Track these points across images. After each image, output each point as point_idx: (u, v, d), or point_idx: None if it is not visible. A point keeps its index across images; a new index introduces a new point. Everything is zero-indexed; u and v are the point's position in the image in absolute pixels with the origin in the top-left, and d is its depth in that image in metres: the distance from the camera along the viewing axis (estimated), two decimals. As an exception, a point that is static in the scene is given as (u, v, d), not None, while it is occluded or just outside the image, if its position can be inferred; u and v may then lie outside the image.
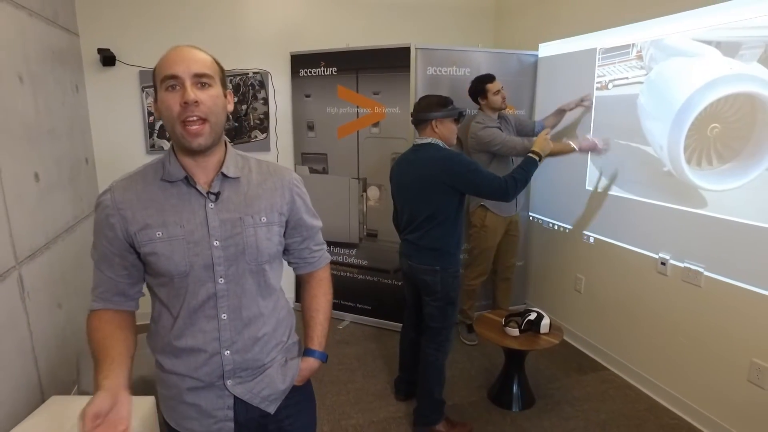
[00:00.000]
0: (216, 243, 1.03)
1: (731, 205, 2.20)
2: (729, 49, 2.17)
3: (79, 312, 2.68)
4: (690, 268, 2.40)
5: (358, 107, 3.31)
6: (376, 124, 3.29)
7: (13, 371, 1.87)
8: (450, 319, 2.26)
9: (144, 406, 1.83)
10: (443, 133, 2.16)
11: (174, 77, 0.95)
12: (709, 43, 2.26)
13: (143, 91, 3.21)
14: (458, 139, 2.46)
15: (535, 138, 2.89)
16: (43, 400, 2.06)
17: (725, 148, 2.22)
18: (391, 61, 3.14)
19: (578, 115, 3.07)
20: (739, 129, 2.15)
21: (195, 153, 1.01)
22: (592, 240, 3.06)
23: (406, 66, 3.12)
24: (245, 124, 3.45)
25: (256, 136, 3.48)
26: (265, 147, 3.49)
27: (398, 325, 2.23)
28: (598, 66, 2.91)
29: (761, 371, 2.10)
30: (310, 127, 3.47)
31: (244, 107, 3.42)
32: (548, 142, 2.28)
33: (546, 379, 2.82)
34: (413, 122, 2.27)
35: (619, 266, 2.85)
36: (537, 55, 3.43)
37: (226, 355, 1.06)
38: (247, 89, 3.41)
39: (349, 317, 3.58)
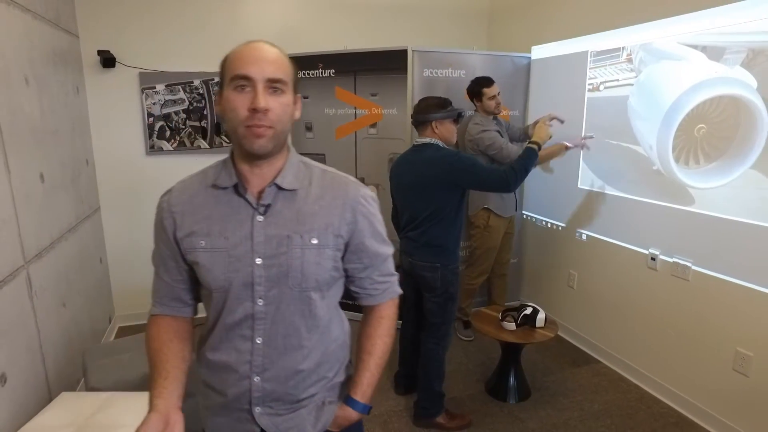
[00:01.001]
0: (258, 260, 0.94)
1: (717, 202, 2.30)
2: (714, 53, 2.27)
3: (82, 311, 2.71)
4: (679, 263, 2.50)
5: (355, 108, 3.37)
6: (373, 125, 3.35)
7: (23, 368, 1.90)
8: (450, 314, 2.33)
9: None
10: (443, 133, 2.23)
11: (246, 78, 0.86)
12: (695, 47, 2.36)
13: (143, 92, 3.24)
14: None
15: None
16: (50, 397, 2.10)
17: (711, 148, 2.31)
18: (389, 63, 3.21)
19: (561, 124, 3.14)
20: (724, 129, 2.25)
21: (254, 157, 0.93)
22: (584, 237, 3.15)
23: (403, 68, 3.19)
24: (244, 125, 3.49)
25: (254, 137, 3.52)
26: (264, 147, 3.54)
27: (398, 322, 2.29)
28: (590, 68, 3.00)
29: (745, 360, 2.20)
30: (309, 128, 3.53)
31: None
32: (547, 129, 2.35)
33: (541, 373, 2.91)
34: (413, 123, 2.33)
35: (611, 262, 2.94)
36: (530, 58, 3.52)
37: (256, 381, 0.98)
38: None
39: (348, 315, 3.63)
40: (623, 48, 2.76)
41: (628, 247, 2.82)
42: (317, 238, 0.96)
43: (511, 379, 2.65)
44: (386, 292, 1.10)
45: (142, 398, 1.84)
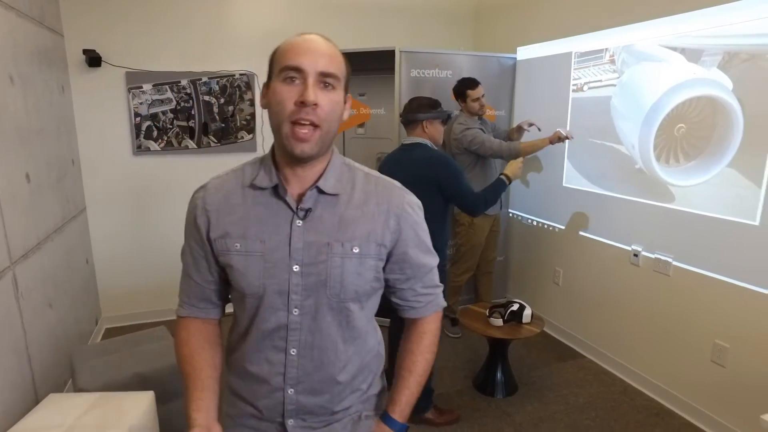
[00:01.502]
0: (296, 268, 0.89)
1: (696, 200, 2.37)
2: (692, 55, 2.34)
3: (68, 312, 2.69)
4: (660, 259, 2.56)
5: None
6: (361, 125, 3.37)
7: (9, 370, 1.89)
8: None
9: (143, 401, 1.87)
10: (432, 133, 2.27)
11: (297, 70, 0.82)
12: (674, 49, 2.43)
13: (130, 92, 3.22)
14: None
15: (511, 142, 3.03)
16: (37, 399, 2.09)
17: (690, 147, 2.38)
18: (376, 64, 3.23)
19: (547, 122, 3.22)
20: (702, 129, 2.32)
21: (296, 160, 0.87)
22: (569, 235, 3.21)
23: (390, 68, 3.22)
24: (232, 125, 3.49)
25: (242, 137, 3.52)
26: (252, 148, 3.54)
27: (386, 321, 2.32)
28: (574, 69, 3.06)
29: (722, 351, 2.28)
30: (296, 128, 3.54)
31: (230, 108, 3.46)
32: (520, 170, 2.42)
33: (528, 368, 2.96)
34: (403, 122, 2.36)
35: (595, 259, 3.01)
36: (515, 58, 3.57)
37: (290, 393, 0.94)
38: (234, 91, 3.45)
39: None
40: (606, 49, 2.82)
41: (611, 243, 2.88)
42: (359, 246, 0.90)
43: (499, 375, 2.69)
44: (430, 304, 1.04)
45: (132, 398, 1.86)
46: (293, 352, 0.92)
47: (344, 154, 3.77)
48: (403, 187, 0.99)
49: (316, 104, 0.81)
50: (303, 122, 0.82)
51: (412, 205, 0.97)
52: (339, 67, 0.85)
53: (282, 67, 0.83)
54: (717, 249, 2.28)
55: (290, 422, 0.96)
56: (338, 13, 3.67)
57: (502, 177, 2.36)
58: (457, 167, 2.27)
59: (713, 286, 2.30)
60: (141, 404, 1.85)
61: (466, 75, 3.13)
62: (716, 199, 2.28)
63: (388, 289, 1.01)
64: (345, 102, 0.90)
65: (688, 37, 2.35)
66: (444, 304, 1.09)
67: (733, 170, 2.19)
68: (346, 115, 0.91)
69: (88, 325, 3.11)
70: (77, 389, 2.05)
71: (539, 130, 3.17)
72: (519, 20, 3.57)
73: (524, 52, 3.51)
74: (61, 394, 1.96)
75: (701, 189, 2.34)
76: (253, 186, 0.91)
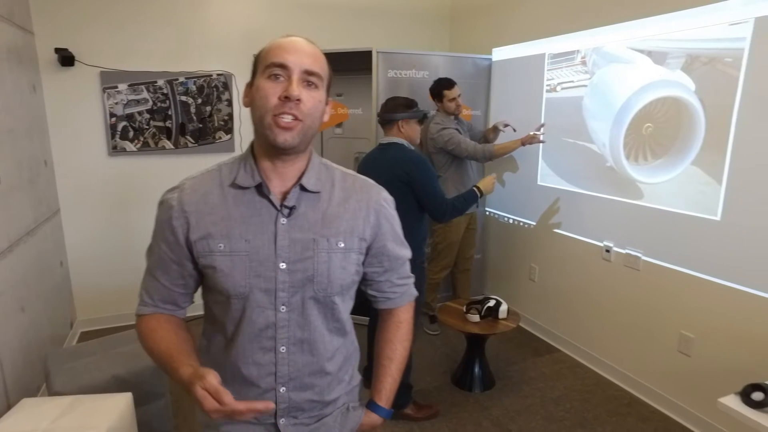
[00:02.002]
0: (282, 265, 0.90)
1: (663, 197, 2.46)
2: (658, 57, 2.43)
3: (41, 315, 2.64)
4: (630, 254, 2.65)
5: (321, 108, 3.39)
6: (339, 125, 3.39)
7: (-18, 375, 1.86)
8: (414, 308, 2.40)
9: (121, 403, 1.86)
10: (408, 133, 2.30)
11: (282, 66, 0.84)
12: (641, 51, 2.51)
13: (104, 92, 3.18)
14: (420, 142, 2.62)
15: (485, 145, 3.09)
16: (9, 404, 2.05)
17: (657, 146, 2.47)
18: (354, 64, 3.26)
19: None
20: (668, 128, 2.41)
21: (277, 152, 0.89)
22: (544, 232, 3.28)
23: (368, 69, 3.25)
24: (209, 126, 3.47)
25: (220, 137, 3.50)
26: (230, 148, 3.52)
27: (365, 319, 2.35)
28: (547, 70, 3.14)
29: (688, 341, 2.37)
30: (275, 128, 3.54)
31: (208, 109, 3.44)
32: (492, 185, 2.48)
33: (504, 363, 3.02)
34: (380, 122, 2.39)
35: (569, 255, 3.09)
36: (491, 59, 3.64)
37: (282, 392, 0.94)
38: (212, 91, 3.43)
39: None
40: (578, 51, 2.90)
41: (584, 240, 2.96)
42: (343, 241, 0.94)
43: (476, 370, 2.75)
44: (404, 295, 1.10)
45: (109, 400, 1.84)
46: (283, 349, 0.93)
47: (322, 154, 3.77)
48: (377, 184, 1.04)
49: (299, 99, 0.84)
50: (285, 116, 0.85)
51: (388, 201, 1.03)
52: (322, 67, 0.89)
53: (267, 64, 0.86)
54: (683, 244, 2.37)
55: (282, 421, 0.96)
56: (316, 14, 3.68)
57: (475, 189, 2.41)
58: (430, 170, 2.30)
59: (679, 279, 2.40)
60: (118, 406, 1.83)
61: (442, 75, 3.18)
62: (681, 196, 2.37)
63: (365, 282, 1.05)
64: (326, 104, 0.92)
65: (653, 40, 2.44)
66: (416, 293, 1.14)
67: (696, 168, 2.29)
68: (326, 117, 0.94)
69: (62, 329, 3.05)
70: (52, 393, 2.02)
71: (514, 130, 3.24)
72: (494, 22, 3.64)
73: (499, 53, 3.58)
74: (35, 399, 1.93)
75: (668, 186, 2.43)
76: (234, 185, 0.91)
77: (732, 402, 1.49)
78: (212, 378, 0.77)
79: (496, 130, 3.39)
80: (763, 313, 2.05)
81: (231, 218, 0.90)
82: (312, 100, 0.86)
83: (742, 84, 2.07)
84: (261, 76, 0.87)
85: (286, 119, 0.84)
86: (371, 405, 1.07)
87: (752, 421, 1.42)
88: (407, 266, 1.10)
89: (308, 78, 0.86)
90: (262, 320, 0.91)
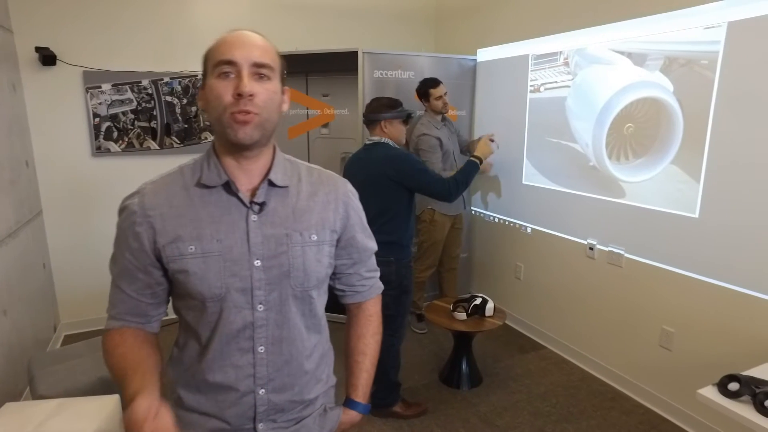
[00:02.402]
0: (257, 263, 0.89)
1: (644, 195, 2.52)
2: (638, 59, 2.48)
3: (24, 318, 2.60)
4: (613, 252, 2.71)
5: (308, 109, 3.40)
6: (325, 125, 3.40)
7: (-36, 379, 1.83)
8: (404, 306, 2.42)
9: (108, 405, 1.84)
10: (392, 133, 2.32)
11: (230, 63, 0.83)
12: (622, 53, 2.57)
13: (87, 92, 3.14)
14: (406, 139, 2.64)
15: (452, 172, 2.90)
16: (-8, 409, 2.02)
17: (638, 145, 2.53)
18: (340, 65, 3.27)
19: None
20: (648, 128, 2.47)
21: (239, 149, 0.88)
22: (529, 230, 3.33)
23: (354, 69, 3.26)
24: (195, 126, 3.45)
25: (206, 138, 3.48)
26: (216, 148, 3.50)
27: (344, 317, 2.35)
28: (531, 71, 3.18)
29: (669, 336, 2.43)
30: (261, 128, 3.53)
31: (193, 109, 3.42)
32: (490, 147, 2.53)
33: (491, 360, 3.06)
34: (365, 122, 2.41)
35: (554, 253, 3.14)
36: (476, 60, 3.68)
37: (261, 394, 0.92)
38: (197, 91, 3.41)
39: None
40: (561, 52, 2.95)
41: (568, 238, 3.01)
42: (316, 234, 0.94)
43: (464, 367, 2.78)
44: (372, 288, 1.10)
45: (96, 402, 1.83)
46: (261, 349, 0.91)
47: (309, 154, 3.75)
48: (341, 177, 1.04)
49: (252, 95, 0.82)
50: (242, 113, 0.83)
51: (353, 193, 1.04)
52: (272, 57, 0.87)
53: (215, 62, 0.84)
54: (663, 241, 2.43)
55: (261, 426, 0.94)
56: (302, 15, 3.68)
57: (473, 159, 2.44)
58: (416, 160, 2.34)
59: (660, 275, 2.45)
60: (105, 408, 1.81)
61: (428, 76, 3.21)
62: (662, 194, 2.43)
63: (334, 276, 1.04)
64: (283, 93, 0.91)
65: (633, 42, 2.50)
66: (382, 286, 1.14)
67: (675, 167, 2.35)
68: (285, 107, 0.92)
69: (45, 332, 3.01)
70: (36, 397, 2.00)
71: (498, 147, 3.18)
72: (479, 23, 3.68)
73: (484, 54, 3.62)
74: (19, 403, 1.91)
75: (649, 185, 2.49)
76: (200, 185, 0.89)
77: (710, 393, 1.53)
78: (138, 410, 0.75)
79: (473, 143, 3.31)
80: (738, 307, 2.12)
81: (200, 219, 0.88)
82: (266, 93, 0.85)
83: (717, 85, 2.13)
84: (211, 76, 0.85)
85: (242, 115, 0.83)
86: (348, 402, 1.07)
87: (728, 411, 1.46)
88: (374, 259, 1.10)
89: (259, 71, 0.84)
90: (239, 321, 0.89)
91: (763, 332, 2.03)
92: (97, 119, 3.19)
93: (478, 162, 2.44)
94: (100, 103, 3.18)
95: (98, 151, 3.23)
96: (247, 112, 0.83)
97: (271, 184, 0.91)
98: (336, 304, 1.10)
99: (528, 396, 2.67)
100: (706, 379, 1.65)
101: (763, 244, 2.02)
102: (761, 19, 1.96)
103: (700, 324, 2.28)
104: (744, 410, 1.44)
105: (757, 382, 1.53)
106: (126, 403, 0.80)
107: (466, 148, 3.47)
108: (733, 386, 1.50)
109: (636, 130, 2.53)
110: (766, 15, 1.94)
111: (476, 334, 2.78)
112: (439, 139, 3.10)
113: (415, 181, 2.26)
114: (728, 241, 2.14)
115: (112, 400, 1.87)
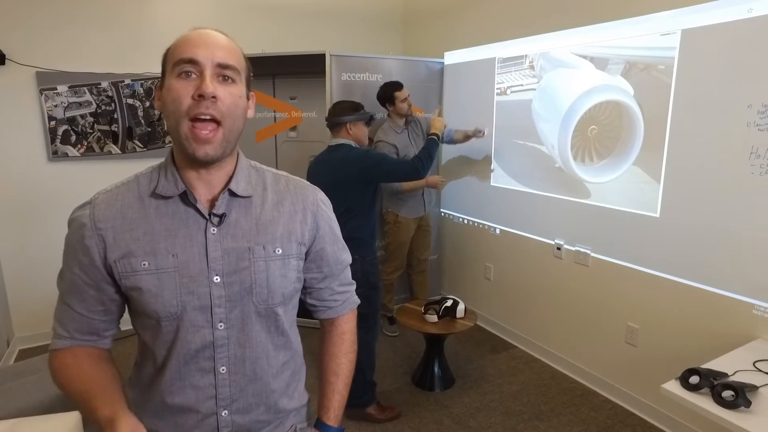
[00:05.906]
0: (216, 279, 0.83)
1: (609, 195, 2.58)
2: (600, 63, 2.55)
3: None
4: (580, 251, 2.77)
5: (275, 112, 3.35)
6: (293, 128, 3.36)
7: None
8: (375, 304, 2.42)
9: (67, 423, 1.75)
10: (356, 134, 2.36)
11: (192, 62, 0.76)
12: (584, 57, 2.64)
13: (42, 93, 3.00)
14: (369, 139, 2.66)
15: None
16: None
17: (602, 147, 2.60)
18: (307, 67, 3.24)
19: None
20: (610, 131, 2.54)
21: (199, 164, 0.81)
22: (498, 231, 3.38)
23: (321, 72, 3.23)
24: (159, 129, 3.35)
25: (170, 141, 3.38)
26: (180, 152, 3.41)
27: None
28: (497, 74, 3.23)
29: (634, 332, 2.50)
30: (228, 131, 3.45)
31: (157, 112, 3.32)
32: (441, 120, 2.63)
33: (463, 361, 3.08)
34: (328, 125, 2.43)
35: (523, 253, 3.19)
36: (443, 63, 3.71)
37: (224, 415, 0.87)
38: (159, 93, 3.31)
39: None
40: (526, 56, 3.01)
41: (536, 238, 3.07)
42: (281, 247, 0.88)
43: (436, 369, 2.78)
44: (346, 302, 1.04)
45: (53, 421, 1.74)
46: (223, 369, 0.85)
47: (276, 158, 3.69)
48: (312, 185, 0.98)
49: (215, 97, 0.76)
50: (203, 117, 0.76)
51: (325, 202, 0.98)
52: (238, 59, 0.81)
53: (176, 61, 0.77)
54: (627, 240, 2.50)
55: None
56: (268, 16, 3.63)
57: (432, 136, 2.51)
58: (376, 153, 2.42)
59: (625, 273, 2.52)
60: (65, 427, 1.73)
61: (396, 78, 3.21)
62: (625, 195, 2.50)
63: (304, 290, 0.99)
64: (249, 99, 0.85)
65: (595, 46, 2.57)
66: (358, 301, 1.09)
67: (637, 168, 2.42)
68: (251, 113, 0.86)
69: (-2, 348, 2.86)
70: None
71: (484, 135, 3.23)
72: (445, 27, 3.71)
73: (451, 57, 3.65)
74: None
75: (612, 185, 2.56)
76: (155, 195, 0.83)
77: (673, 387, 1.59)
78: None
79: (466, 137, 3.29)
80: (698, 303, 2.20)
81: (154, 232, 0.82)
82: (230, 97, 0.79)
83: (674, 90, 2.21)
84: (171, 76, 0.78)
85: (204, 131, 0.77)
86: (319, 425, 0.99)
87: (690, 403, 1.52)
88: (348, 272, 1.05)
89: (223, 72, 0.78)
90: (198, 340, 0.83)
91: (721, 326, 2.12)
92: (53, 122, 3.05)
93: (436, 137, 2.51)
94: (56, 106, 3.04)
95: (55, 155, 3.09)
96: (210, 122, 0.77)
97: (232, 193, 0.85)
98: (305, 310, 1.06)
99: (500, 396, 2.70)
100: (670, 374, 1.71)
101: (720, 242, 2.10)
102: (712, 27, 2.05)
103: (663, 320, 2.36)
104: (704, 402, 1.50)
105: (715, 374, 1.59)
106: (101, 427, 0.75)
107: (451, 141, 3.38)
108: (694, 379, 1.56)
109: (599, 132, 2.60)
110: (717, 24, 2.03)
111: (448, 336, 2.79)
112: (395, 146, 3.09)
113: (382, 171, 2.32)
114: (687, 239, 2.22)
115: (70, 418, 1.78)
